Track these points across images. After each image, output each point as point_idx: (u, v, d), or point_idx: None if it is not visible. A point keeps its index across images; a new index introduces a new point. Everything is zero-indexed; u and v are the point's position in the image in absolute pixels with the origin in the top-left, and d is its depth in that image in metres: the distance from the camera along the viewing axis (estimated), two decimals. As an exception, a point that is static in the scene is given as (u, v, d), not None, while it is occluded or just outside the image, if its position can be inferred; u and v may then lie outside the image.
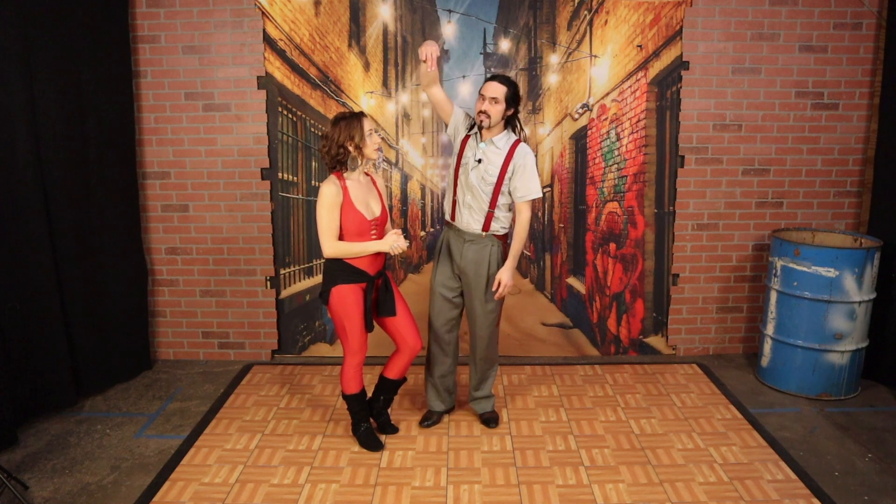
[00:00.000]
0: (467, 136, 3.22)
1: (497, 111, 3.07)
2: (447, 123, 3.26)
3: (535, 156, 4.27)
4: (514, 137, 3.19)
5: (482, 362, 3.42)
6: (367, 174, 3.13)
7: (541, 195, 3.21)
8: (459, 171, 3.20)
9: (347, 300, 3.04)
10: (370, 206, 3.05)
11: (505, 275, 3.19)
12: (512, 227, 3.28)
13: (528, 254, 4.40)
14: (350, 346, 3.10)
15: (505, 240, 3.29)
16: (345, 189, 2.97)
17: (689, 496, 2.88)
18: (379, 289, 3.12)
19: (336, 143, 2.93)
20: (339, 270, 3.03)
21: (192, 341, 4.36)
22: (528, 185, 3.16)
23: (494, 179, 3.13)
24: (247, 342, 4.36)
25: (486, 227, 3.19)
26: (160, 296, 4.30)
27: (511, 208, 3.25)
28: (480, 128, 3.14)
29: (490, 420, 3.49)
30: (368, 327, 3.10)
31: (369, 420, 3.32)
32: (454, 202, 3.24)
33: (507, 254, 3.25)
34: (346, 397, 3.22)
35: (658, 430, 3.45)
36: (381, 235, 3.09)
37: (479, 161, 3.15)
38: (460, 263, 3.24)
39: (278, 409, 3.68)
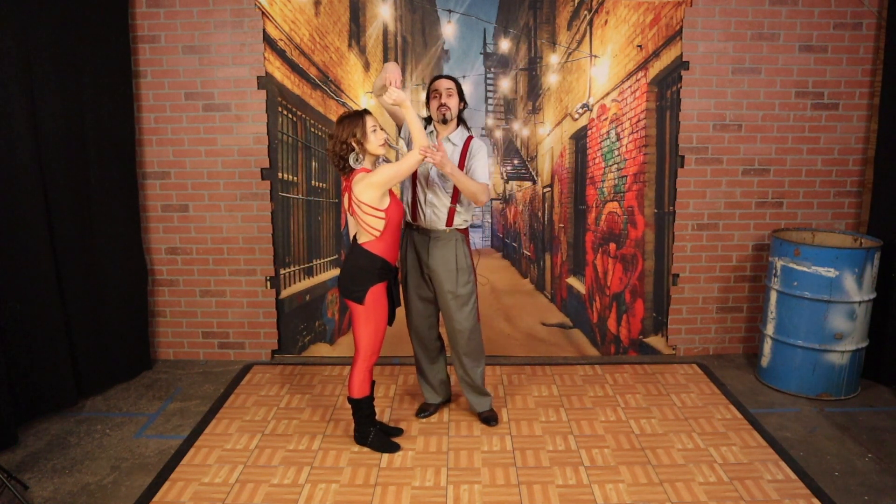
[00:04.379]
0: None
1: (454, 103, 3.24)
2: (400, 127, 3.37)
3: (535, 155, 4.27)
4: (467, 134, 3.33)
5: (466, 358, 3.43)
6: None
7: (488, 183, 3.29)
8: (418, 170, 3.26)
9: (382, 300, 3.07)
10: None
11: (440, 154, 3.04)
12: (473, 220, 3.49)
13: (528, 254, 4.40)
14: (374, 347, 3.11)
15: (467, 233, 3.40)
16: None
17: (689, 496, 2.88)
18: (395, 280, 3.16)
19: (339, 140, 2.96)
20: (379, 269, 3.03)
21: (192, 341, 4.36)
22: (477, 171, 3.24)
23: None
24: (247, 342, 4.36)
25: (449, 222, 3.28)
26: (160, 296, 4.30)
27: (471, 202, 3.34)
28: (444, 121, 3.24)
29: (489, 419, 3.51)
30: (391, 322, 3.16)
31: (376, 424, 3.30)
32: (414, 202, 3.32)
33: (470, 247, 3.40)
34: (356, 402, 3.18)
35: (658, 430, 3.45)
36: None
37: None
38: (429, 262, 3.30)
39: (278, 409, 3.68)
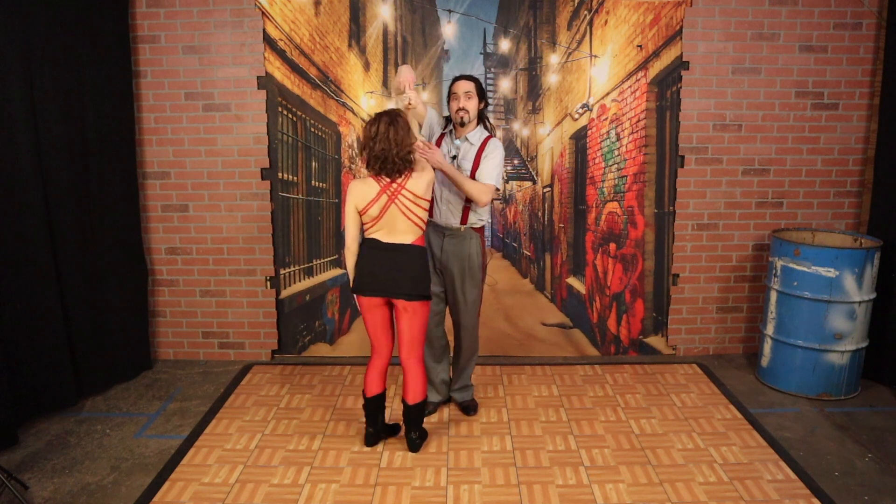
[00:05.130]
0: (442, 135, 3.38)
1: (473, 105, 3.26)
2: (421, 125, 3.36)
3: (535, 155, 4.27)
4: (486, 133, 3.35)
5: (467, 352, 3.54)
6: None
7: (495, 185, 3.30)
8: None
9: None
10: None
11: (437, 153, 3.14)
12: (488, 219, 3.52)
13: (528, 254, 4.40)
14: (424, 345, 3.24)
15: (482, 232, 3.42)
16: None
17: (689, 496, 2.88)
18: None
19: (407, 143, 2.93)
20: None
21: (192, 341, 4.36)
22: (485, 170, 3.25)
23: (468, 173, 3.28)
24: (247, 342, 4.36)
25: (463, 220, 3.32)
26: (160, 296, 4.30)
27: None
28: (462, 124, 3.27)
29: (469, 408, 3.60)
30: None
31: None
32: (431, 199, 3.32)
33: (484, 246, 3.43)
34: (423, 405, 3.21)
35: (658, 430, 3.45)
36: None
37: (455, 157, 3.31)
38: (441, 258, 3.35)
39: (278, 409, 3.68)
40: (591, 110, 4.18)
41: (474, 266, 3.35)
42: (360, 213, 2.99)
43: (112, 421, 3.56)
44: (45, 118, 3.44)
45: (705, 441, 3.34)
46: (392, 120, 2.91)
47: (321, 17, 4.05)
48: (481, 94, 3.29)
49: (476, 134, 3.32)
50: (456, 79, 3.30)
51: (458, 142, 3.32)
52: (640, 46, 4.08)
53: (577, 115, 4.20)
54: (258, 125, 4.11)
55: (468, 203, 3.29)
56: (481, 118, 3.36)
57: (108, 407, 3.73)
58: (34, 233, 3.41)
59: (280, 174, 4.17)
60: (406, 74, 3.02)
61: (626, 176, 4.21)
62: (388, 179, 2.96)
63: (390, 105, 3.10)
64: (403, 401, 3.18)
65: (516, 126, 4.25)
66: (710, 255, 4.32)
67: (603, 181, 4.25)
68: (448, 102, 3.33)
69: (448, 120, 3.39)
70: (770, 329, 3.94)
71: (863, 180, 4.24)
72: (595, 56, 4.10)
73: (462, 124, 3.26)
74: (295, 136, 4.15)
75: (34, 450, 3.25)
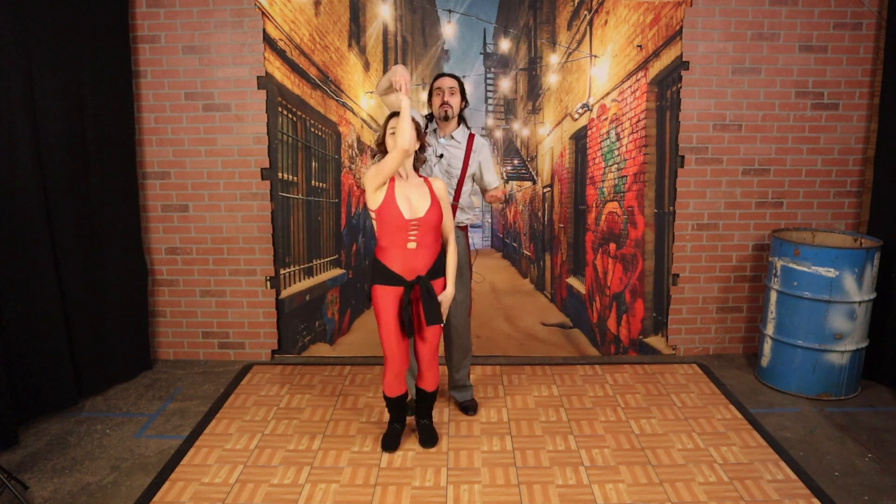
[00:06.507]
0: (425, 134, 3.32)
1: (456, 101, 3.32)
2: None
3: (535, 155, 4.27)
4: (468, 131, 3.41)
5: (458, 352, 3.55)
6: (418, 175, 3.06)
7: (500, 181, 3.52)
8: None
9: (381, 302, 2.99)
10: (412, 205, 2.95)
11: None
12: (473, 219, 3.63)
13: (528, 254, 4.40)
14: (384, 352, 3.07)
15: (467, 231, 3.48)
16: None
17: (689, 496, 2.88)
18: (421, 296, 2.96)
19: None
20: (376, 271, 3.00)
21: (192, 341, 4.36)
22: (487, 178, 3.43)
23: (458, 172, 3.34)
24: (247, 342, 4.36)
25: None
26: (160, 296, 4.30)
27: (472, 201, 3.50)
28: (445, 118, 3.31)
29: (469, 407, 3.60)
30: (407, 334, 3.00)
31: (402, 422, 3.33)
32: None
33: (469, 245, 3.50)
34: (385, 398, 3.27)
35: (658, 430, 3.45)
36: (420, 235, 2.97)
37: (441, 156, 3.34)
38: None
39: (278, 409, 3.68)
40: (591, 110, 4.18)
41: (461, 265, 3.36)
42: None
43: (112, 421, 3.56)
44: (45, 118, 3.44)
45: (705, 441, 3.34)
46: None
47: (321, 17, 4.05)
48: (463, 92, 3.36)
49: (460, 132, 3.38)
50: (439, 76, 3.36)
51: (443, 140, 3.36)
52: (640, 46, 4.08)
53: (577, 115, 4.20)
54: (258, 125, 4.11)
55: (455, 202, 3.34)
56: (462, 118, 3.41)
57: (108, 407, 3.73)
58: (34, 233, 3.41)
59: (280, 174, 4.17)
60: (403, 74, 2.99)
61: (626, 176, 4.21)
62: None
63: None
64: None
65: (516, 126, 4.25)
66: (710, 255, 4.32)
67: (603, 181, 4.25)
68: (430, 99, 3.37)
69: (429, 118, 3.41)
70: (770, 329, 3.94)
71: (863, 180, 4.24)
72: (595, 56, 4.10)
73: (445, 118, 3.30)
74: (295, 136, 4.15)
75: (34, 450, 3.25)
